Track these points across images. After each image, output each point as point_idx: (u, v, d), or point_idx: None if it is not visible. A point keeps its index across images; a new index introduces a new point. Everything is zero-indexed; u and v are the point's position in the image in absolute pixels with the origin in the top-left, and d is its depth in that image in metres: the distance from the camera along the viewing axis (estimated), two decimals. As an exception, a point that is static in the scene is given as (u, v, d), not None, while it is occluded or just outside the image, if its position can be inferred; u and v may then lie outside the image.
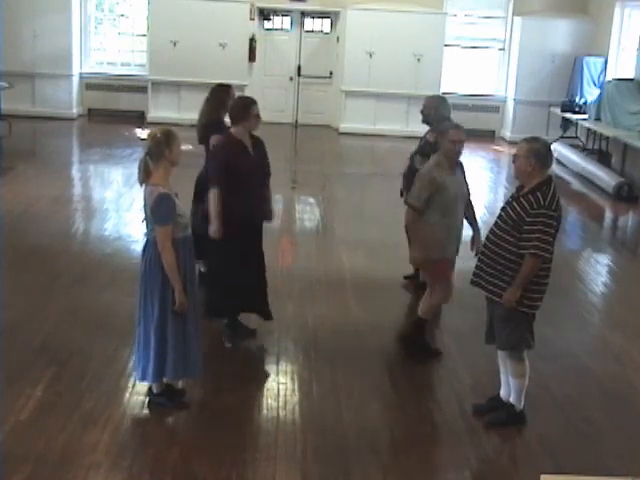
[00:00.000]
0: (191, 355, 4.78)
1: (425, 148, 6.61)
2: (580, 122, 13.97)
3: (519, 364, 4.86)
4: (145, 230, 4.76)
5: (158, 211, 4.55)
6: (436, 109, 6.84)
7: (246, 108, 5.62)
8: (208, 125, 6.53)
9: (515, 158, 4.72)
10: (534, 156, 4.61)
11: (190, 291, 4.70)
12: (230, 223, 5.47)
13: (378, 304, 6.98)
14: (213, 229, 5.49)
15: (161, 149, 4.58)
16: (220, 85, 6.90)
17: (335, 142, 14.96)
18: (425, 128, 7.03)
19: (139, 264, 4.83)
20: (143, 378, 4.85)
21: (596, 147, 13.67)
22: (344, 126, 15.37)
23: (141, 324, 4.77)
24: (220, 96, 6.68)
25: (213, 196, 5.49)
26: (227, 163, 5.52)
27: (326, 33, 15.86)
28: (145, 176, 4.63)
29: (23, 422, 4.62)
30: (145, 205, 4.68)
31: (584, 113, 13.97)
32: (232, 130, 5.68)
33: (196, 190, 6.60)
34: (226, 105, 6.31)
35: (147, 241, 4.73)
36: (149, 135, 4.68)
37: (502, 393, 5.01)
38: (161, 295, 4.63)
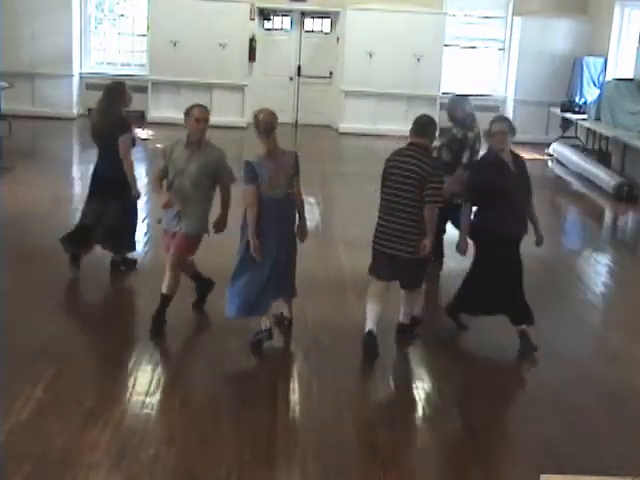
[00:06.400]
0: (254, 298, 5.58)
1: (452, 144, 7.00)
2: (580, 122, 13.97)
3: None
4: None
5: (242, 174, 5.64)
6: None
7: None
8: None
9: None
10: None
11: (265, 244, 5.53)
12: None
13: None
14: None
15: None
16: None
17: (335, 142, 14.96)
18: None
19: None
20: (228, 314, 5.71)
21: (596, 147, 13.66)
22: (344, 126, 15.37)
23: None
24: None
25: None
26: None
27: (326, 33, 15.87)
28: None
29: (23, 422, 4.61)
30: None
31: (584, 113, 13.97)
32: None
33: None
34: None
35: None
36: None
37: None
38: (241, 246, 5.66)
